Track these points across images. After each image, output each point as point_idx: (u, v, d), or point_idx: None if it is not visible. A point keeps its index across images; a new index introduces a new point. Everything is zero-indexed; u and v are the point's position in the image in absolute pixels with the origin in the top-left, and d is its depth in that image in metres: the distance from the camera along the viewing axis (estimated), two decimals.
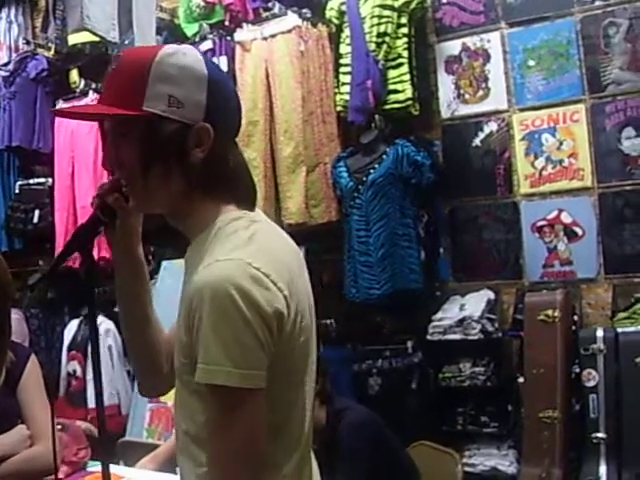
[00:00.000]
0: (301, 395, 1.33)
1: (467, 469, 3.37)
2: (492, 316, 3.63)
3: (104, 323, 4.37)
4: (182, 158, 1.29)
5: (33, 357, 2.31)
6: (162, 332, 1.51)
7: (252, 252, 1.22)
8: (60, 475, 2.61)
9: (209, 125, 1.29)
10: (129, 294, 1.49)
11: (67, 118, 2.24)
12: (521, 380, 3.49)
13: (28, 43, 5.01)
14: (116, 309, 4.68)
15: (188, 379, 1.25)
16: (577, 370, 3.36)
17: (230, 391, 1.16)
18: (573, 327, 3.48)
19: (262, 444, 1.21)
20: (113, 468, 2.92)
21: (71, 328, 4.49)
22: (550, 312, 3.40)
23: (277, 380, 1.24)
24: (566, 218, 3.69)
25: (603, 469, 3.21)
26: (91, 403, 4.23)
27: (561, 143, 3.71)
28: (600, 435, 3.23)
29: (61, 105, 4.71)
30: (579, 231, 3.67)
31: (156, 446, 3.50)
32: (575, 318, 3.53)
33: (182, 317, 1.26)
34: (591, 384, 3.28)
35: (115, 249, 1.47)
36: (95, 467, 2.98)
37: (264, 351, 1.18)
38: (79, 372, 4.38)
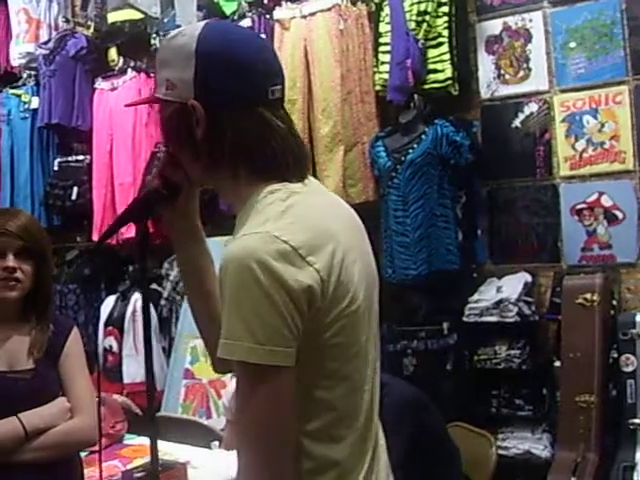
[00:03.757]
0: (359, 369, 1.31)
1: (500, 452, 3.33)
2: (529, 299, 3.59)
3: (139, 300, 4.40)
4: (189, 136, 1.31)
5: (76, 330, 2.28)
6: None
7: (283, 225, 1.20)
8: (97, 447, 2.64)
9: (196, 101, 1.29)
10: (195, 269, 1.50)
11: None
12: (557, 364, 3.45)
13: (68, 21, 5.04)
14: (153, 286, 4.67)
15: None
16: (615, 355, 3.31)
17: (251, 367, 1.15)
18: (612, 311, 3.44)
19: (288, 422, 1.20)
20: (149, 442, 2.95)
21: (108, 304, 4.53)
22: (589, 296, 3.36)
23: (325, 354, 1.23)
24: (606, 201, 3.63)
25: (639, 455, 3.17)
26: (127, 378, 4.28)
27: (602, 125, 3.64)
28: (637, 421, 3.18)
29: (100, 83, 4.74)
30: (619, 214, 3.60)
31: (191, 421, 3.55)
32: (614, 302, 3.48)
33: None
34: (629, 369, 3.24)
35: (177, 223, 1.48)
36: (132, 440, 3.03)
37: (289, 327, 1.16)
38: (115, 348, 4.41)
